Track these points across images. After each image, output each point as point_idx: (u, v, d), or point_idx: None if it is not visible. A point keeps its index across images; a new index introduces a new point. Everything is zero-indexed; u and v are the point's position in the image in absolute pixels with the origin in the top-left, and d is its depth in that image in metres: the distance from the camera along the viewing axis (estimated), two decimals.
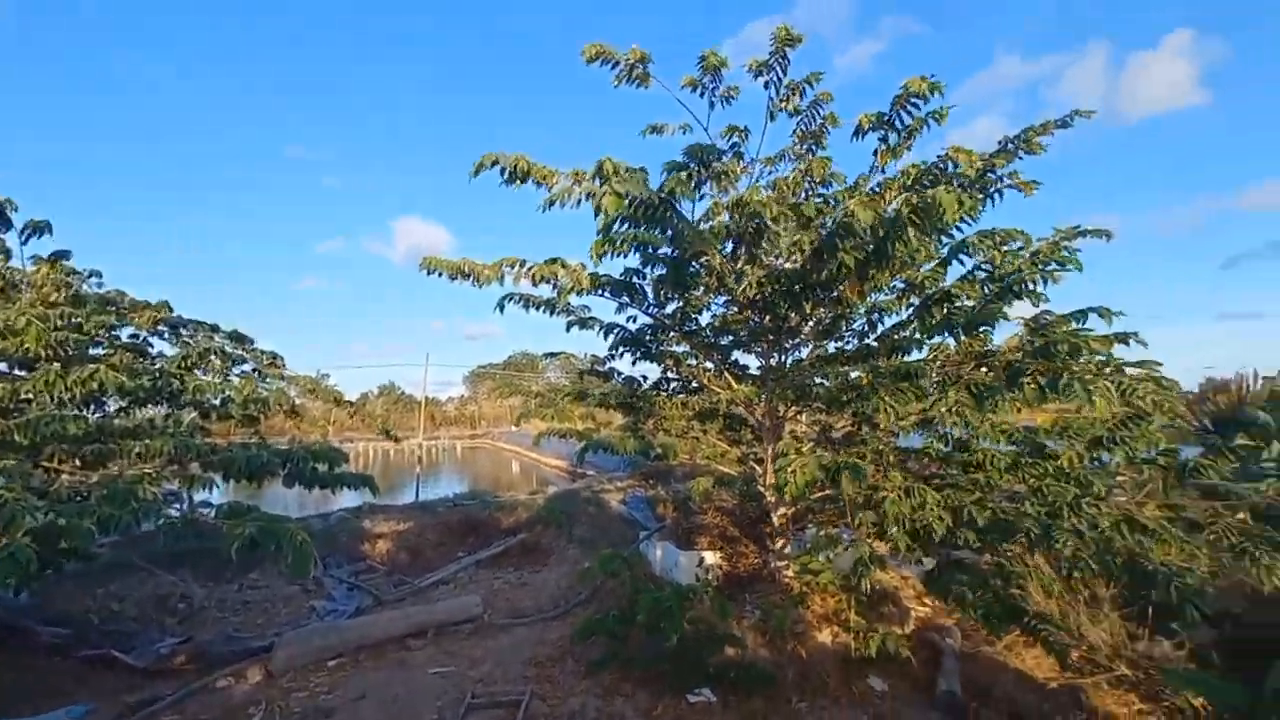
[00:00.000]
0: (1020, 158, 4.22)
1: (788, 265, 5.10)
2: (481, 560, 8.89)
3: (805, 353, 5.71)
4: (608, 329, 5.49)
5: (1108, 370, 4.05)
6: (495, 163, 4.57)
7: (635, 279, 5.35)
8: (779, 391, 5.34)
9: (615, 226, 4.43)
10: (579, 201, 4.83)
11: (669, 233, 4.55)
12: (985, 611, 4.14)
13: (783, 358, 5.66)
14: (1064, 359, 3.75)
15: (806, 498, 5.61)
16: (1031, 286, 4.23)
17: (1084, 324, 4.19)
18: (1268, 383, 11.26)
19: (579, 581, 6.42)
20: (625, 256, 5.01)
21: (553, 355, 6.47)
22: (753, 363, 5.98)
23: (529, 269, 4.63)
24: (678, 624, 3.83)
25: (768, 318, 5.31)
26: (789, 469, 4.22)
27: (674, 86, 4.91)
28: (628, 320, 5.64)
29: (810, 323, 5.48)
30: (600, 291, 5.22)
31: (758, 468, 5.74)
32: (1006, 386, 4.10)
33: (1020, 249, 4.55)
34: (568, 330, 5.43)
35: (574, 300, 5.24)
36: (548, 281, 4.86)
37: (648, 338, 5.58)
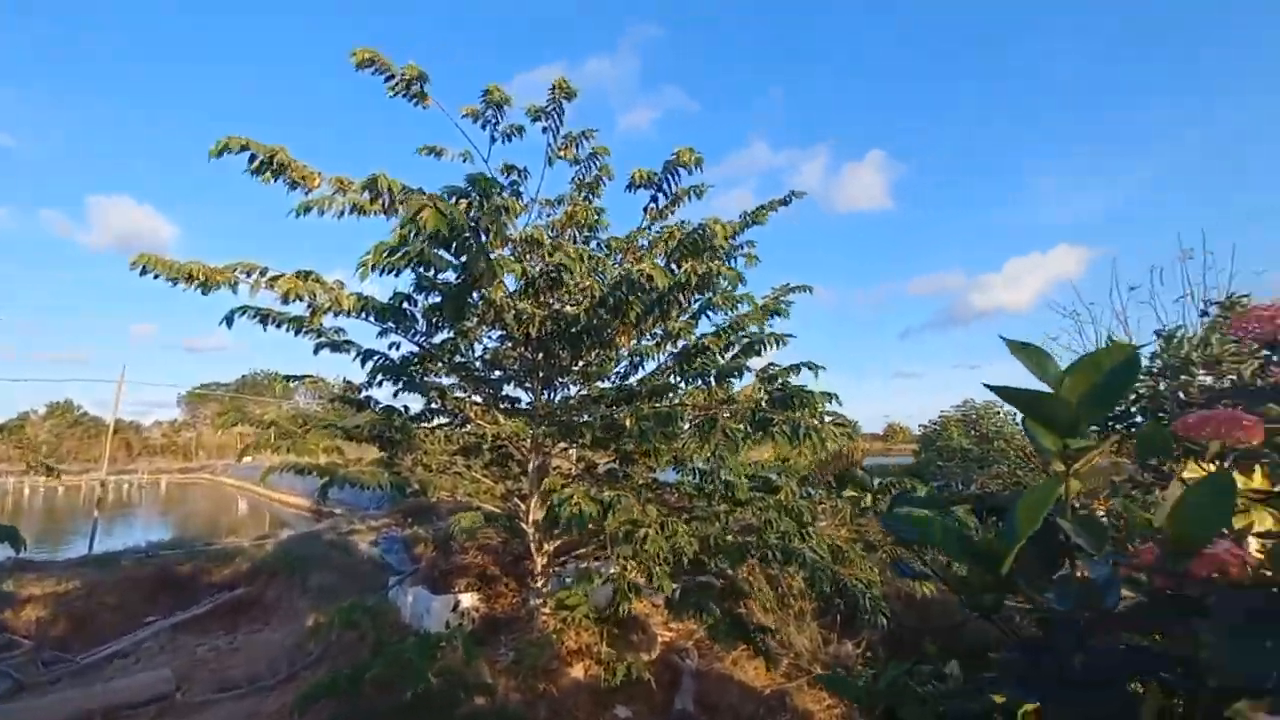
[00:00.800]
0: (751, 226, 5.04)
1: (570, 309, 5.23)
2: (181, 623, 7.32)
3: (574, 391, 5.88)
4: (365, 355, 5.03)
5: (818, 416, 4.97)
6: (245, 148, 3.98)
7: (406, 304, 5.01)
8: (548, 428, 5.39)
9: (409, 242, 4.14)
10: (342, 212, 4.44)
11: (462, 259, 4.37)
12: (717, 627, 4.59)
13: (553, 395, 5.76)
14: (797, 408, 4.50)
15: (572, 532, 5.70)
16: (765, 347, 5.01)
17: (799, 375, 5.12)
18: (928, 426, 14.59)
19: (310, 640, 5.63)
20: (396, 275, 4.70)
21: (296, 378, 5.71)
22: (523, 398, 5.98)
23: (271, 279, 4.07)
24: (421, 677, 3.56)
25: (541, 355, 5.37)
26: (570, 502, 4.25)
27: (457, 111, 4.84)
28: (390, 347, 5.24)
29: (581, 363, 5.68)
30: (364, 315, 4.78)
31: (522, 504, 5.69)
32: (757, 431, 4.71)
33: (749, 309, 5.32)
34: (316, 353, 4.86)
35: (327, 321, 4.73)
36: (300, 298, 4.33)
37: (413, 367, 5.24)
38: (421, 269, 4.31)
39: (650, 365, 5.69)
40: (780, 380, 5.42)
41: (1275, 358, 0.92)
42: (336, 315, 4.44)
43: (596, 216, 5.65)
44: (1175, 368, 4.01)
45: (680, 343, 5.34)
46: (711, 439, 4.83)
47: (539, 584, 5.77)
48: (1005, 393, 0.76)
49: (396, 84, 4.49)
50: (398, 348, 5.26)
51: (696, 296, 5.04)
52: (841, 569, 4.83)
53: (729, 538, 4.88)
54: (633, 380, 5.77)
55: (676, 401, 5.45)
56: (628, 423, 5.19)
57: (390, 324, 4.93)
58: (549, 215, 5.73)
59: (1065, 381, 0.71)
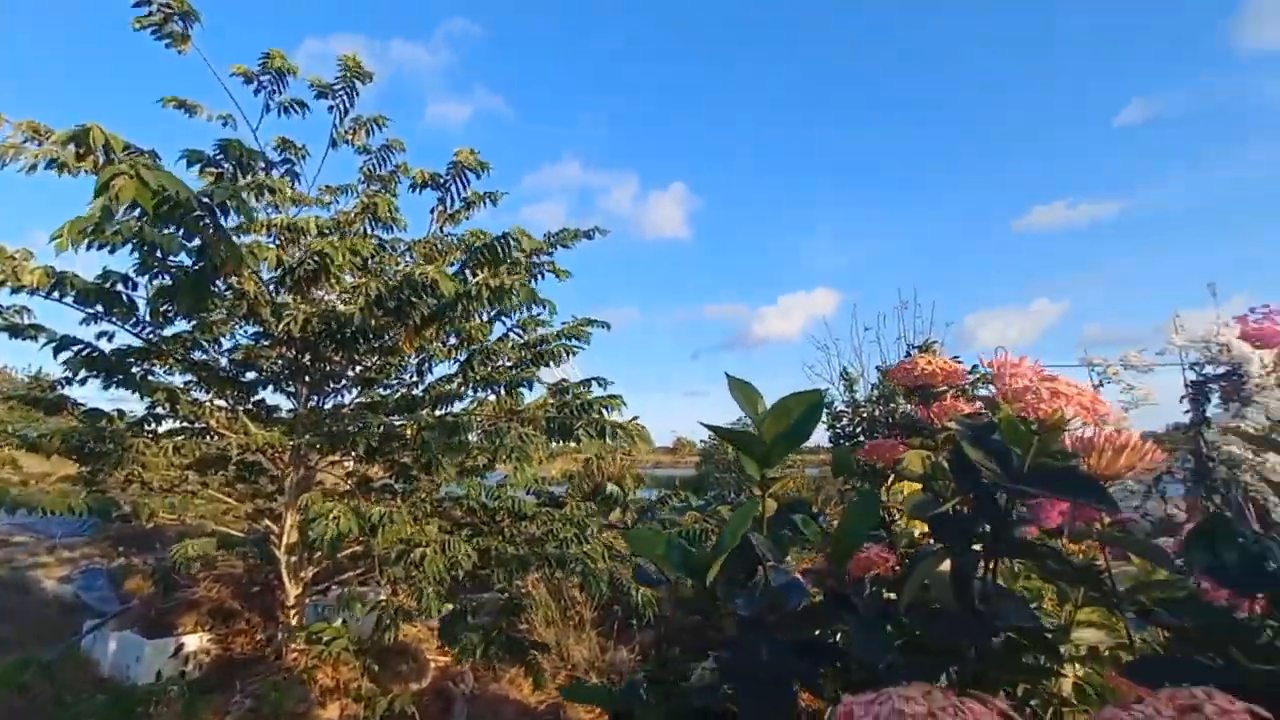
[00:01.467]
0: (556, 249, 5.09)
1: (342, 307, 4.73)
2: None
3: (349, 398, 5.34)
4: (60, 344, 4.00)
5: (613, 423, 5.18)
6: None
7: (123, 287, 4.10)
8: (313, 440, 4.80)
9: (119, 217, 3.34)
10: (34, 166, 3.53)
11: (196, 242, 3.65)
12: (469, 650, 4.47)
13: (321, 401, 5.16)
14: (597, 415, 4.62)
15: (334, 556, 5.12)
16: (556, 359, 5.05)
17: (589, 388, 5.24)
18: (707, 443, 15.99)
19: None
20: (112, 251, 3.82)
21: None
22: (284, 404, 5.26)
23: None
24: None
25: (309, 357, 4.78)
26: (329, 518, 3.78)
27: (225, 69, 4.17)
28: (100, 337, 4.24)
29: (358, 368, 5.18)
30: (57, 295, 3.80)
31: (274, 525, 4.97)
32: (561, 436, 4.68)
33: (547, 318, 5.33)
34: None
35: (3, 298, 3.70)
36: None
37: (132, 363, 4.29)
38: (145, 249, 3.56)
39: (439, 371, 5.40)
40: (573, 393, 5.50)
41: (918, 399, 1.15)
42: (15, 292, 3.48)
43: (392, 214, 5.21)
44: (887, 397, 4.93)
45: (471, 347, 5.14)
46: (504, 448, 4.73)
47: (291, 617, 5.07)
48: (717, 431, 0.85)
49: (154, 14, 3.70)
50: (110, 338, 4.28)
51: (489, 309, 4.93)
52: (620, 566, 5.03)
53: (510, 549, 4.80)
54: (419, 389, 5.40)
55: (463, 410, 5.23)
56: (409, 432, 4.85)
57: (99, 308, 3.99)
58: (335, 205, 5.16)
59: (765, 422, 0.81)
